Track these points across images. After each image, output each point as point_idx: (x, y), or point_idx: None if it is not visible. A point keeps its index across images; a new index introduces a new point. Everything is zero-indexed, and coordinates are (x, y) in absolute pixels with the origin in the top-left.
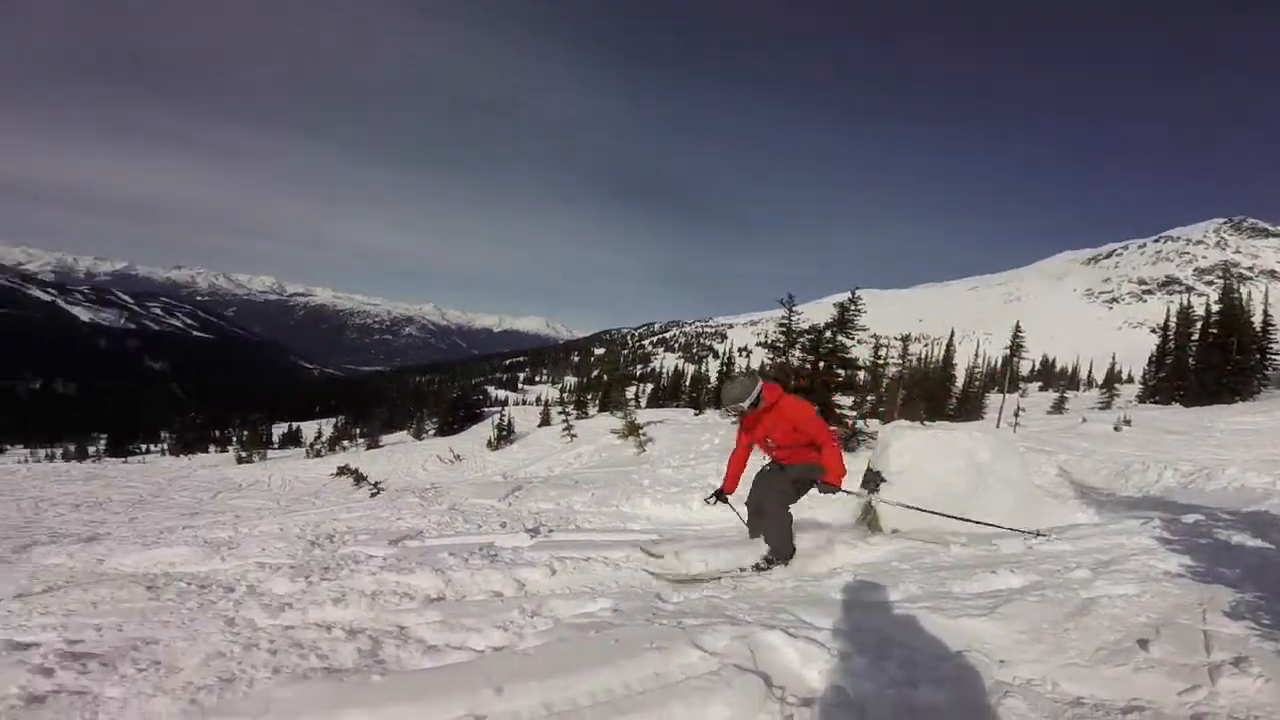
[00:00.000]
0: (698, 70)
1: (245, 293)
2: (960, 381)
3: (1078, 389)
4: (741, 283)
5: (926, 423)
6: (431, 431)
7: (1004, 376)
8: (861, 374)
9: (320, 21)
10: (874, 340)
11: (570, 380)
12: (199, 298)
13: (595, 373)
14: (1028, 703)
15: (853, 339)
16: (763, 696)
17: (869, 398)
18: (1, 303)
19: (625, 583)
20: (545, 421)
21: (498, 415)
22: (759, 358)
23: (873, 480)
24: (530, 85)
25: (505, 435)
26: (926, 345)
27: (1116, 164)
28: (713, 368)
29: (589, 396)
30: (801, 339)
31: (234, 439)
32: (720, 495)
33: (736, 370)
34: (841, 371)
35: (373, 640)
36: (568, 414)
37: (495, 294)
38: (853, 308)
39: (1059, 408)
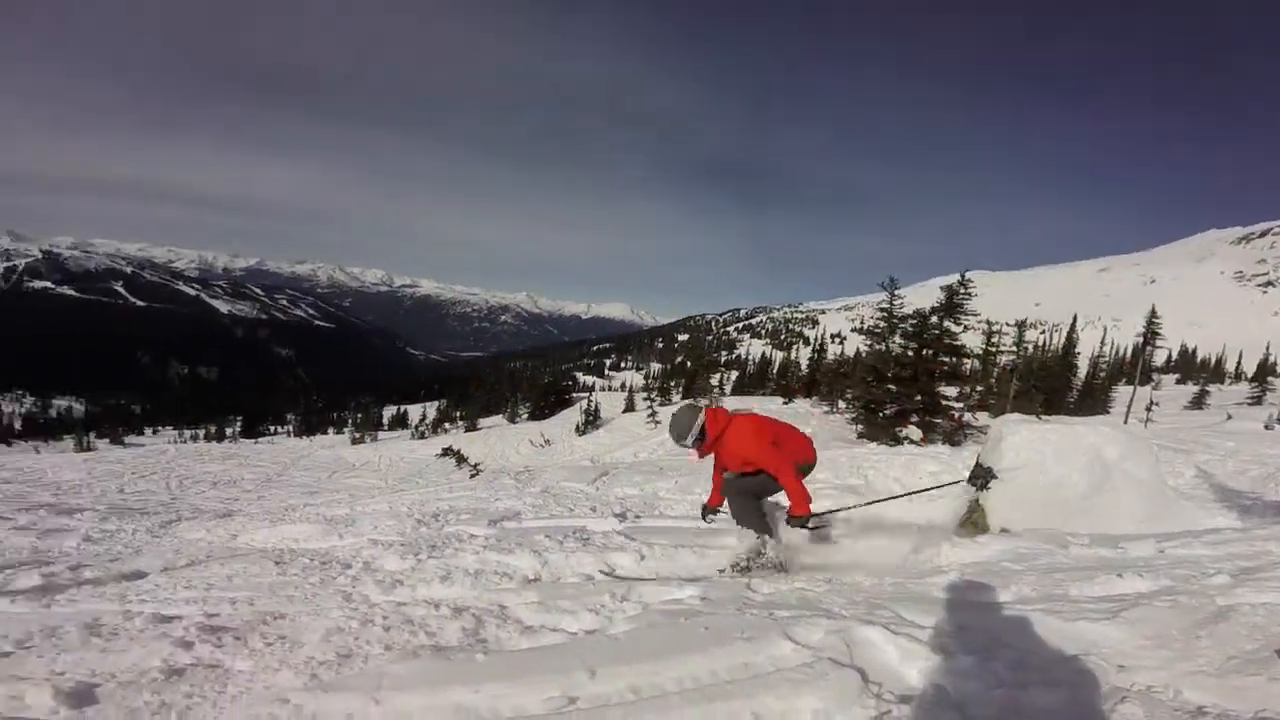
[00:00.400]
0: (792, 48)
1: (359, 284)
2: (1082, 372)
3: (1221, 382)
4: (835, 266)
5: (1043, 416)
6: (524, 416)
7: (1135, 367)
8: (970, 362)
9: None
10: (985, 326)
11: (655, 366)
12: (319, 290)
13: (679, 359)
14: (1145, 709)
15: (961, 325)
16: (858, 691)
17: (978, 388)
18: (157, 297)
19: (713, 571)
20: (630, 408)
21: (585, 401)
22: (854, 344)
23: (982, 477)
24: (616, 75)
25: (592, 421)
26: (1044, 332)
27: (1273, 133)
28: (804, 354)
29: (673, 383)
30: (904, 325)
31: (349, 421)
32: (708, 510)
33: (829, 357)
34: (947, 360)
35: (476, 619)
36: (652, 400)
37: (583, 281)
38: (962, 291)
39: (1198, 403)
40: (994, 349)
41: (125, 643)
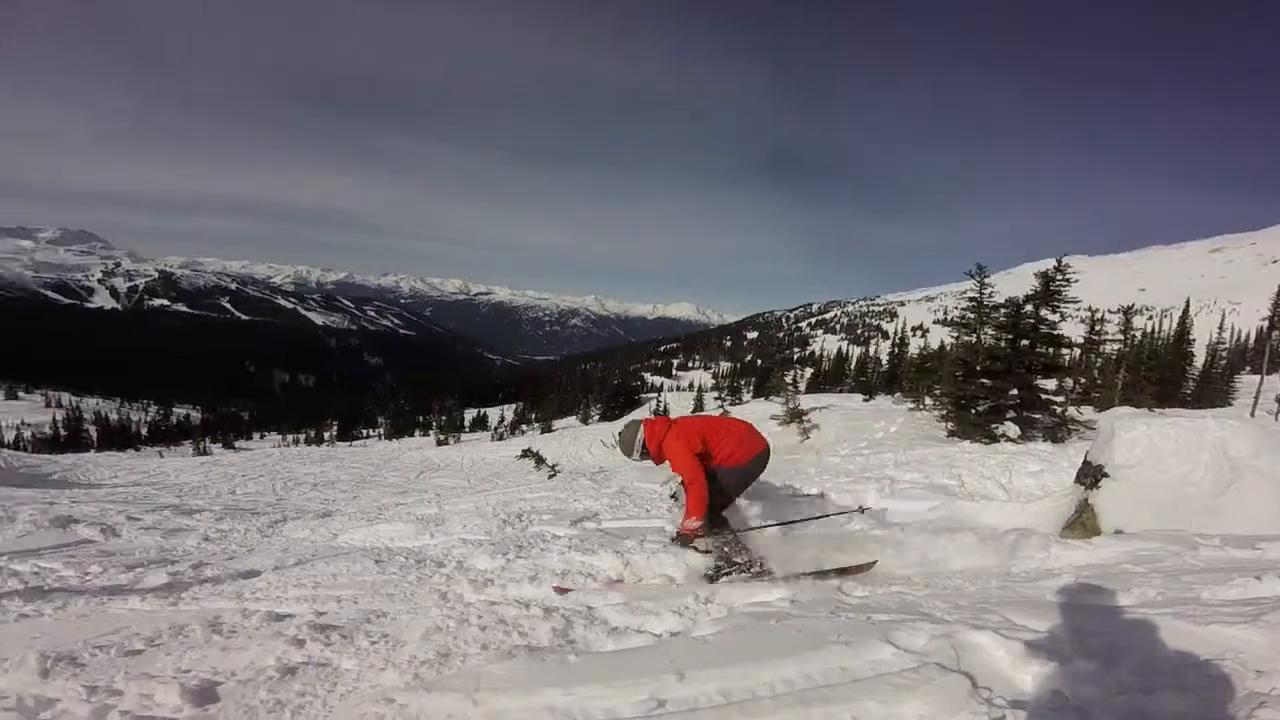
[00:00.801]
0: (862, 29)
1: (439, 294)
2: (1199, 360)
3: None
4: (913, 256)
5: (1157, 410)
6: (596, 417)
7: (1263, 354)
8: (1070, 353)
9: (498, 45)
10: (1089, 314)
11: (724, 365)
12: (403, 300)
13: (749, 357)
14: None
15: (1059, 313)
16: (966, 696)
17: (1080, 380)
18: (259, 311)
19: (802, 574)
20: (699, 407)
21: (654, 400)
22: (938, 336)
23: (1092, 475)
24: (682, 72)
25: None
26: (1152, 318)
27: None
28: (882, 349)
29: (742, 382)
30: (995, 314)
31: (433, 424)
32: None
33: (911, 351)
34: (1046, 350)
35: (565, 620)
36: (723, 399)
37: (648, 283)
38: (1059, 277)
39: None
40: (1097, 338)
41: (243, 640)
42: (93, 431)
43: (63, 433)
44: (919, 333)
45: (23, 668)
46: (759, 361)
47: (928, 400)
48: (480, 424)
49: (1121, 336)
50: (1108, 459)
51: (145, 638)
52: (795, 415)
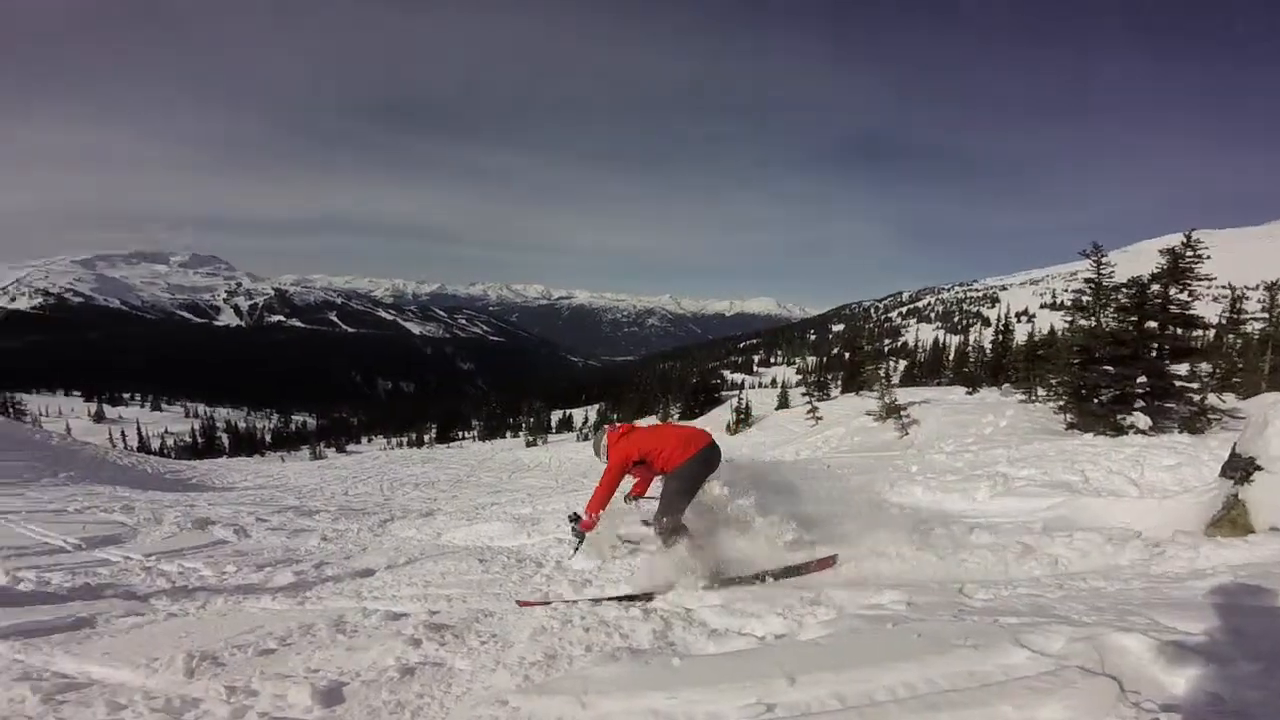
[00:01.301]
0: (946, 4)
1: (523, 300)
2: None
3: None
4: (1012, 238)
5: None
6: (676, 415)
7: None
8: (1205, 335)
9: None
10: (1226, 292)
11: (810, 360)
12: (490, 308)
13: (835, 350)
14: None
15: (1189, 292)
16: (1113, 699)
17: (1219, 365)
18: (363, 324)
19: (914, 576)
20: (784, 404)
21: (735, 398)
22: (1046, 321)
23: (1242, 468)
24: (752, 62)
25: (744, 419)
26: None
27: None
28: (985, 336)
29: (829, 376)
30: (1116, 296)
31: (522, 426)
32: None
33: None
34: (1176, 332)
35: (664, 621)
36: (811, 395)
37: (725, 279)
38: (1190, 253)
39: None
40: (1237, 317)
41: (365, 640)
42: (224, 439)
43: (199, 440)
44: (1025, 318)
45: (171, 668)
46: (846, 355)
47: (1040, 391)
48: (567, 425)
49: (1266, 315)
50: (1260, 450)
51: (278, 637)
52: (891, 410)
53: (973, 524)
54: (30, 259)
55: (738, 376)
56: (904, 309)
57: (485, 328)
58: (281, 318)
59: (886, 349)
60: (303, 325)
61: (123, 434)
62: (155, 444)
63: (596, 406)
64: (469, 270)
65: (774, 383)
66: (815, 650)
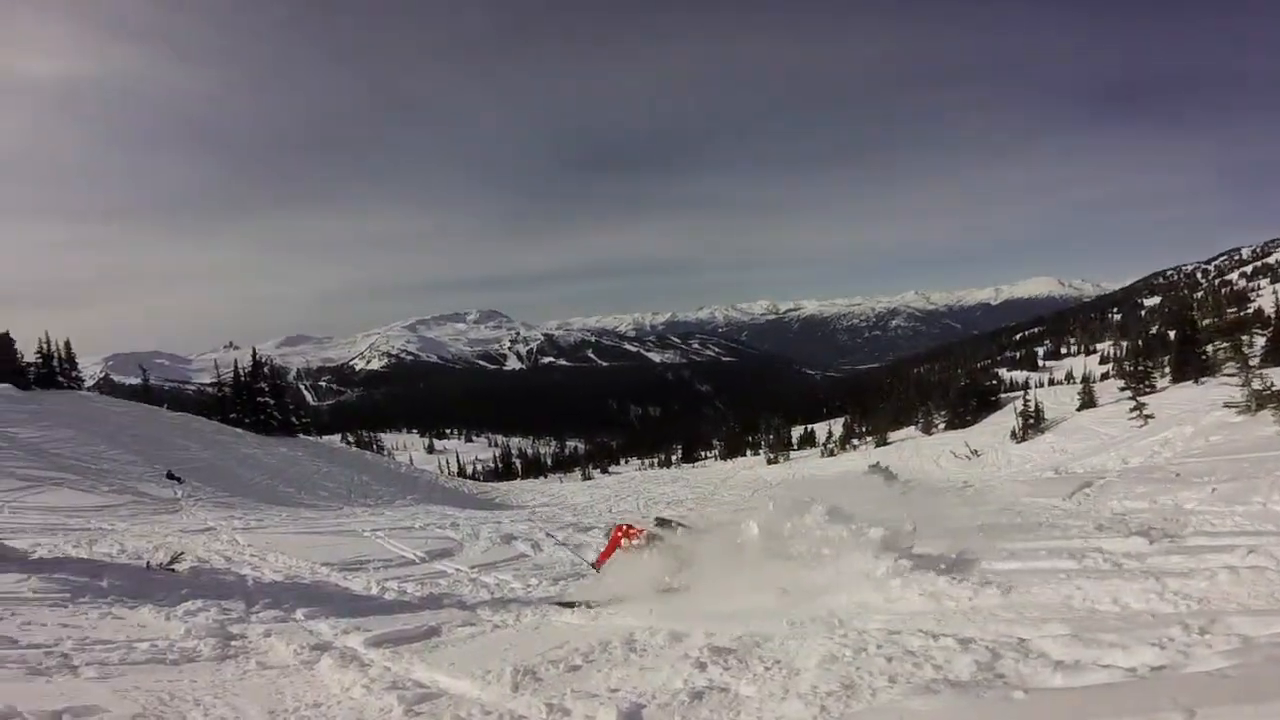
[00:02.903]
0: None
1: (749, 318)
2: None
3: None
4: None
5: None
6: (941, 425)
7: None
8: None
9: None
10: None
11: (1107, 347)
12: (719, 330)
13: (1154, 328)
14: None
15: None
16: None
17: None
18: (614, 357)
19: None
20: (1088, 403)
21: (1019, 401)
22: None
23: None
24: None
25: (1034, 423)
26: None
27: None
28: None
29: (1150, 364)
30: None
31: (761, 443)
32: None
33: None
34: None
35: (990, 651)
36: (1131, 387)
37: (983, 263)
38: None
39: None
40: None
41: (654, 660)
42: (518, 464)
43: (499, 465)
44: None
45: (500, 681)
46: (1170, 333)
47: None
48: (808, 440)
49: None
50: None
51: (582, 653)
52: (1267, 399)
53: None
54: (374, 326)
55: (1018, 374)
56: (1246, 267)
57: (716, 349)
58: (551, 358)
59: (1228, 320)
60: (567, 363)
61: (446, 462)
62: (469, 469)
63: (841, 420)
64: (695, 296)
65: (1068, 377)
66: (1220, 682)
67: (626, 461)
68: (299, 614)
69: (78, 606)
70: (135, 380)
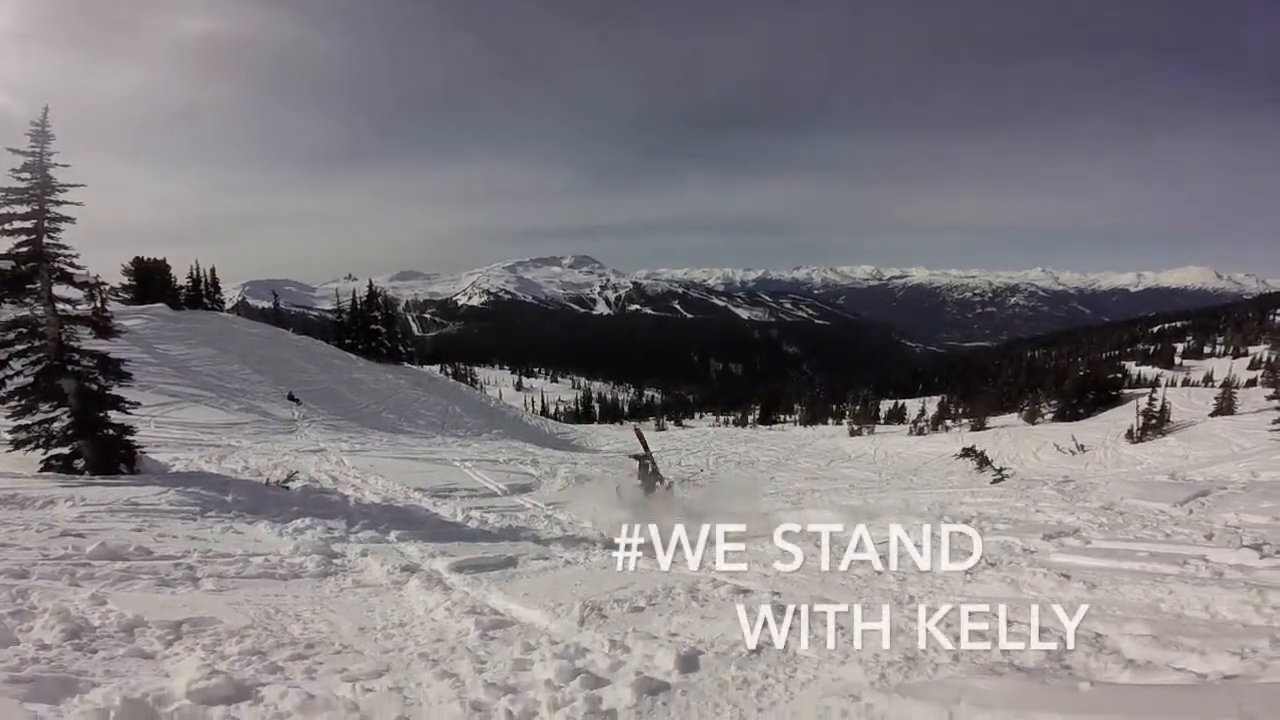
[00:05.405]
0: None
1: (850, 282)
2: None
3: None
4: None
5: None
6: (1048, 415)
7: None
8: None
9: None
10: None
11: (1262, 351)
12: (815, 291)
13: None
14: None
15: None
16: None
17: None
18: (699, 310)
19: None
20: (1225, 408)
21: (1144, 399)
22: None
23: None
24: None
25: (1155, 424)
26: None
27: None
28: None
29: None
30: None
31: (846, 413)
32: None
33: None
34: None
35: (1060, 641)
36: None
37: (1125, 244)
38: None
39: None
40: None
41: (715, 610)
42: (596, 408)
43: (580, 408)
44: None
45: (569, 614)
46: None
47: None
48: (897, 416)
49: None
50: None
51: (646, 595)
52: None
53: None
54: (476, 266)
55: (1148, 370)
56: None
57: (811, 311)
58: (638, 306)
59: None
60: (653, 313)
61: (532, 400)
62: (552, 409)
63: (937, 399)
64: (793, 256)
65: (1207, 380)
66: None
67: (701, 416)
68: (392, 535)
69: (205, 520)
70: (267, 304)
